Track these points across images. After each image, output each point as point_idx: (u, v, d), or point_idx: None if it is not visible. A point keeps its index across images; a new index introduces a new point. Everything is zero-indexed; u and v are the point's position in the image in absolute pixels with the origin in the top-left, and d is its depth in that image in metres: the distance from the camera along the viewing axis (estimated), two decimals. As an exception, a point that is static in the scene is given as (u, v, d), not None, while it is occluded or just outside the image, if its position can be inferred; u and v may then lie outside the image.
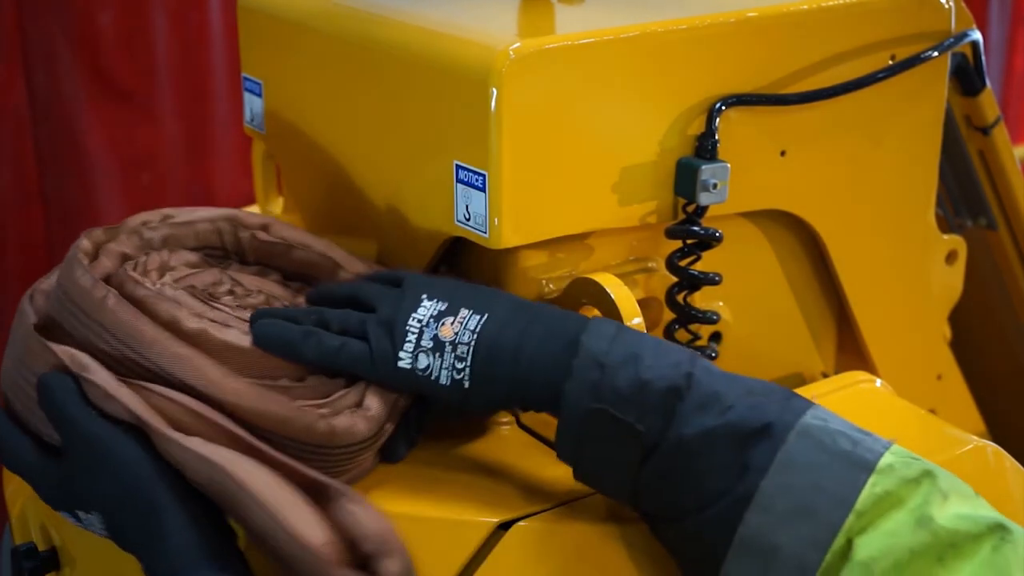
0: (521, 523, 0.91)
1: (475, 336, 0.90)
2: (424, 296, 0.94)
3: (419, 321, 0.92)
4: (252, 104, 1.29)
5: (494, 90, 0.95)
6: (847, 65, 1.11)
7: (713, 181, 1.03)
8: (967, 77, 1.30)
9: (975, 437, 1.04)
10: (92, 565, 1.05)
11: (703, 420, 0.84)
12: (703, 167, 1.02)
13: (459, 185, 1.00)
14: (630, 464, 0.86)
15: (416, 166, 1.06)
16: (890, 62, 1.13)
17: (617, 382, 0.85)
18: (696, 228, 1.04)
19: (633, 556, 0.90)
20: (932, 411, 1.23)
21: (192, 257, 1.05)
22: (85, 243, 1.02)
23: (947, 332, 1.32)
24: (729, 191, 1.04)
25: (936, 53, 1.14)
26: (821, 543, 0.79)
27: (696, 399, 0.85)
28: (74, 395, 0.87)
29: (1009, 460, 1.03)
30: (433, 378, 0.90)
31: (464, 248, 1.06)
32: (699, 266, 1.06)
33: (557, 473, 0.97)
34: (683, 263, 1.06)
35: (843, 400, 1.06)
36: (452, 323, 0.91)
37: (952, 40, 1.16)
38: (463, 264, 1.09)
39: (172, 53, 2.22)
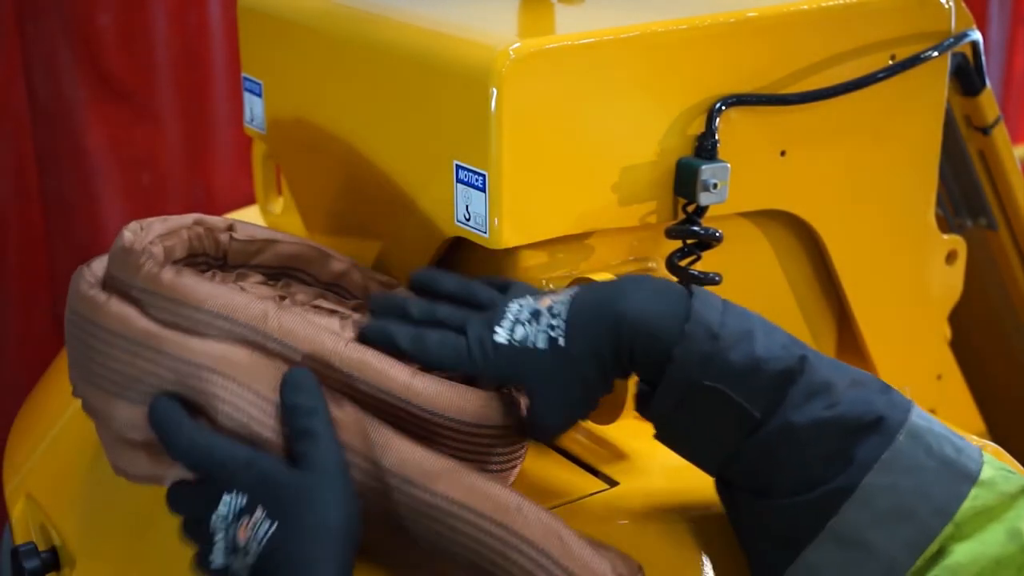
0: (521, 523, 0.91)
1: (572, 297, 0.89)
2: (529, 293, 0.93)
3: (519, 303, 0.91)
4: (252, 104, 1.29)
5: (494, 90, 0.95)
6: (847, 65, 1.11)
7: (713, 181, 1.03)
8: (967, 77, 1.30)
9: (975, 437, 1.04)
10: (92, 565, 1.05)
11: (814, 409, 0.83)
12: (703, 167, 1.02)
13: (459, 185, 1.00)
14: (728, 439, 0.85)
15: (416, 166, 1.06)
16: (890, 62, 1.13)
17: (731, 357, 0.84)
18: (696, 228, 1.04)
19: (633, 555, 0.90)
20: (932, 411, 1.23)
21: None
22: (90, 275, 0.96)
23: (947, 332, 1.32)
24: (729, 191, 1.04)
25: (936, 53, 1.14)
26: (916, 547, 0.81)
27: (807, 385, 0.84)
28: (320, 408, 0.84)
29: (1009, 460, 1.03)
30: (530, 345, 0.87)
31: (464, 248, 1.06)
32: (699, 266, 1.06)
33: (557, 473, 0.97)
34: (683, 263, 1.06)
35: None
36: (552, 297, 0.90)
37: (952, 40, 1.16)
38: (463, 264, 1.09)
39: (172, 53, 2.22)
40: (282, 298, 1.04)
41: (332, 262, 1.08)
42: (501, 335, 0.89)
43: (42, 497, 1.14)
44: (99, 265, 0.97)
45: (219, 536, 0.82)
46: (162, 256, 0.98)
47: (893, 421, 0.83)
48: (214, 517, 0.82)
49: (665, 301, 0.87)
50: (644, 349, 0.86)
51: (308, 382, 0.85)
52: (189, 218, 1.04)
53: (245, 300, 0.89)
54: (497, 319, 0.90)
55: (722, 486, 0.89)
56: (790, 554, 0.83)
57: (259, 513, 0.80)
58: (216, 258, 1.06)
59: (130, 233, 0.96)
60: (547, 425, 0.91)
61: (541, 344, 0.87)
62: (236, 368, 0.85)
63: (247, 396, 0.85)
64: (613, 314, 0.86)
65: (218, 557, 0.82)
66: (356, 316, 1.02)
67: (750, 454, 0.85)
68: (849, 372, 0.86)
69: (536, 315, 0.89)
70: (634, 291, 0.88)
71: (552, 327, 0.88)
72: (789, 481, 0.84)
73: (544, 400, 0.89)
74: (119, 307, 0.90)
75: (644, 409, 0.90)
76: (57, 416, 1.19)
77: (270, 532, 0.80)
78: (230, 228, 1.07)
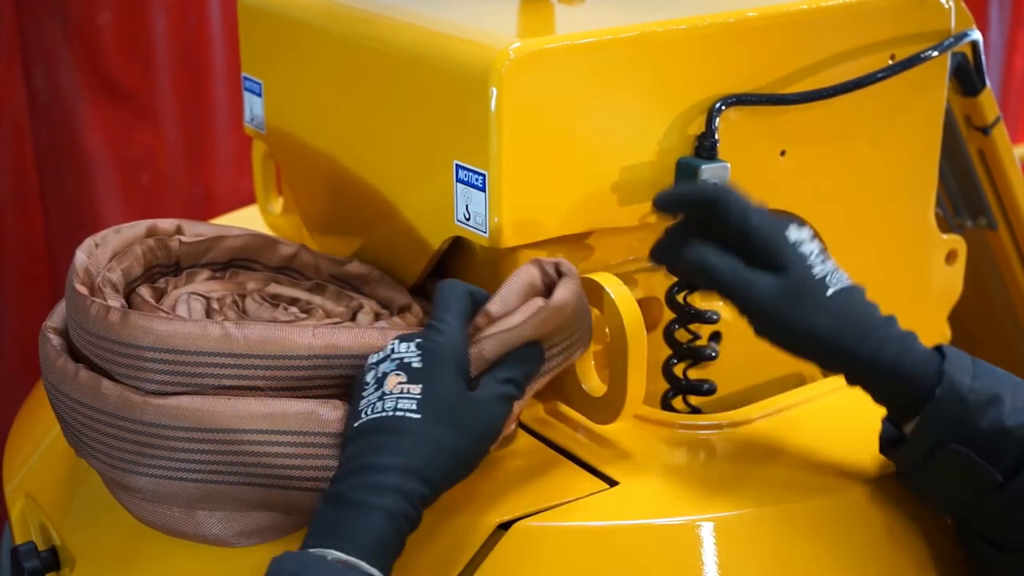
0: (521, 523, 0.91)
1: (852, 282, 0.93)
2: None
3: (810, 232, 0.95)
4: (252, 104, 1.29)
5: (494, 90, 0.95)
6: (847, 65, 1.11)
7: (713, 181, 1.03)
8: (967, 77, 1.30)
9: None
10: (92, 565, 1.05)
11: None
12: (703, 167, 1.02)
13: (459, 185, 1.00)
14: (969, 496, 0.90)
15: (416, 166, 1.06)
16: (890, 62, 1.13)
17: (979, 423, 0.88)
18: (696, 228, 1.04)
19: (633, 555, 0.90)
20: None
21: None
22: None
23: (947, 332, 1.32)
24: (729, 191, 1.04)
25: (936, 53, 1.14)
26: None
27: None
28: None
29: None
30: (808, 263, 0.92)
31: (464, 248, 1.06)
32: (699, 266, 1.06)
33: (557, 473, 0.97)
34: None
35: (842, 401, 1.06)
36: (835, 263, 0.94)
37: (952, 40, 1.16)
38: (463, 264, 1.09)
39: (172, 53, 2.22)
40: (241, 296, 1.06)
41: (280, 247, 1.10)
42: (817, 268, 0.93)
43: (42, 497, 1.14)
44: (59, 315, 1.00)
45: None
46: (121, 282, 1.00)
47: None
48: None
49: (924, 355, 0.91)
50: (894, 397, 0.92)
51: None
52: (141, 227, 1.07)
53: (199, 328, 0.90)
54: (791, 222, 0.94)
55: (961, 530, 0.94)
56: None
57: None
58: (168, 266, 1.08)
59: (83, 254, 0.99)
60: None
61: (831, 285, 0.92)
62: (261, 421, 0.88)
63: (286, 440, 0.88)
64: (872, 353, 0.90)
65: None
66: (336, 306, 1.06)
67: (989, 510, 0.89)
68: None
69: (826, 256, 0.94)
70: (897, 336, 0.92)
71: (838, 279, 0.93)
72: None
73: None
74: (89, 378, 0.92)
75: (888, 453, 0.95)
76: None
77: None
78: (179, 231, 1.09)
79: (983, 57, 1.28)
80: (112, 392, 0.90)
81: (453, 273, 1.10)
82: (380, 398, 0.85)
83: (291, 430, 0.87)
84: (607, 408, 0.98)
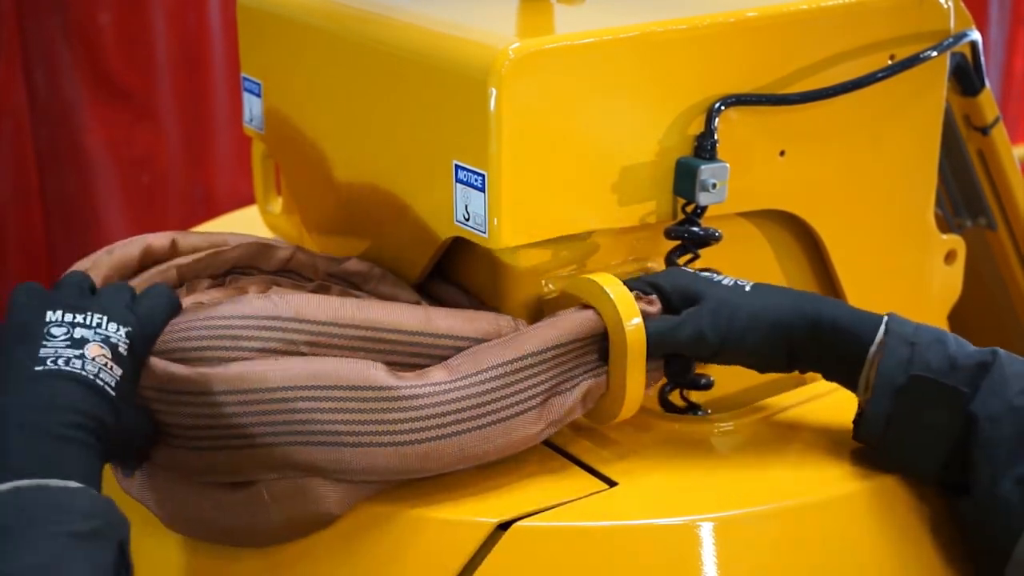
0: (521, 523, 0.91)
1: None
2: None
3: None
4: (252, 104, 1.29)
5: (493, 90, 0.95)
6: (847, 65, 1.11)
7: (712, 181, 1.03)
8: (966, 77, 1.30)
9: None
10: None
11: (1008, 393, 0.91)
12: (702, 167, 1.02)
13: (459, 185, 1.00)
14: (945, 432, 0.93)
15: (416, 166, 1.06)
16: (889, 62, 1.13)
17: (930, 360, 0.93)
18: (695, 228, 1.04)
19: (632, 555, 0.91)
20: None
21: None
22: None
23: (947, 332, 1.32)
24: (728, 191, 1.04)
25: (935, 53, 1.14)
26: None
27: (1000, 373, 0.92)
28: None
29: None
30: (716, 280, 0.99)
31: (464, 248, 1.06)
32: (699, 265, 1.06)
33: (557, 473, 0.97)
34: (682, 262, 1.06)
35: (842, 400, 1.06)
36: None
37: (951, 40, 1.16)
38: (463, 264, 1.09)
39: (172, 53, 2.22)
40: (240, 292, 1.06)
41: (276, 252, 1.11)
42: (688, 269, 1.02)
43: (42, 497, 1.14)
44: None
45: None
46: None
47: None
48: None
49: (861, 314, 0.97)
50: (842, 349, 0.96)
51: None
52: (135, 248, 1.07)
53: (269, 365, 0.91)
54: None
55: (946, 490, 0.96)
56: (1009, 544, 0.89)
57: None
58: (169, 285, 1.07)
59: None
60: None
61: (726, 283, 0.98)
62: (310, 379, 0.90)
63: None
64: (814, 310, 0.96)
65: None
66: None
67: (960, 446, 0.92)
68: None
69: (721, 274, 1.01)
70: (826, 302, 0.98)
71: (738, 280, 0.99)
72: (998, 472, 0.90)
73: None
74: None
75: (857, 430, 0.98)
76: (57, 416, 1.19)
77: None
78: (173, 247, 1.09)
79: (982, 57, 1.28)
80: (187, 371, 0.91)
81: (453, 273, 1.10)
82: (80, 357, 0.84)
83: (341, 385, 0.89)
84: (606, 408, 0.98)
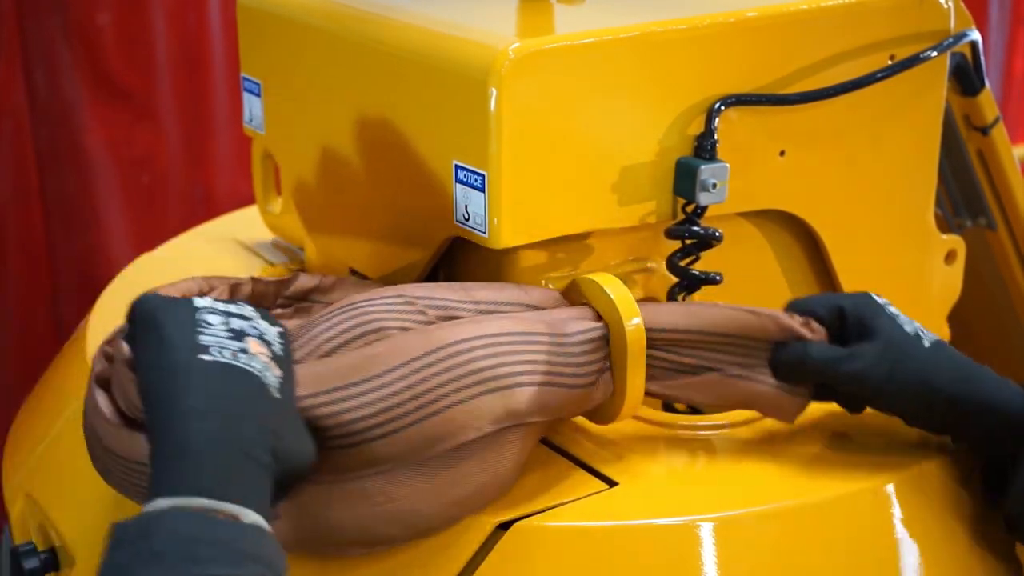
0: (520, 523, 0.91)
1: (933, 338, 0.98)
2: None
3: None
4: (252, 104, 1.29)
5: (493, 90, 0.95)
6: (847, 65, 1.11)
7: (712, 181, 1.03)
8: (966, 77, 1.30)
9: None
10: (92, 565, 1.05)
11: None
12: (702, 167, 1.02)
13: (459, 185, 1.00)
14: None
15: (416, 166, 1.06)
16: (889, 62, 1.13)
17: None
18: (696, 228, 1.04)
19: (633, 555, 0.91)
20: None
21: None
22: None
23: (947, 332, 1.32)
24: (728, 191, 1.04)
25: (935, 53, 1.14)
26: None
27: None
28: None
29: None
30: (898, 322, 0.97)
31: (464, 248, 1.06)
32: (699, 266, 1.06)
33: (557, 473, 0.97)
34: (683, 263, 1.06)
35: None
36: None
37: (951, 40, 1.16)
38: (463, 264, 1.09)
39: (172, 53, 2.22)
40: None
41: (241, 287, 1.05)
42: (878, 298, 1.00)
43: (42, 497, 1.14)
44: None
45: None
46: None
47: None
48: None
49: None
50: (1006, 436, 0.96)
51: None
52: (195, 287, 1.01)
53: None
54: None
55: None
56: None
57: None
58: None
59: (99, 366, 0.88)
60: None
61: (908, 329, 0.97)
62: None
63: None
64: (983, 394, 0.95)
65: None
66: None
67: None
68: None
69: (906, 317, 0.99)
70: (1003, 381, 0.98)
71: (921, 330, 0.98)
72: None
73: None
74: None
75: (990, 487, 0.99)
76: (57, 416, 1.19)
77: None
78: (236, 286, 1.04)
79: (982, 57, 1.28)
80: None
81: (454, 273, 1.10)
82: (244, 351, 0.75)
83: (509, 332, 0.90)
84: (606, 408, 0.98)
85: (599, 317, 0.96)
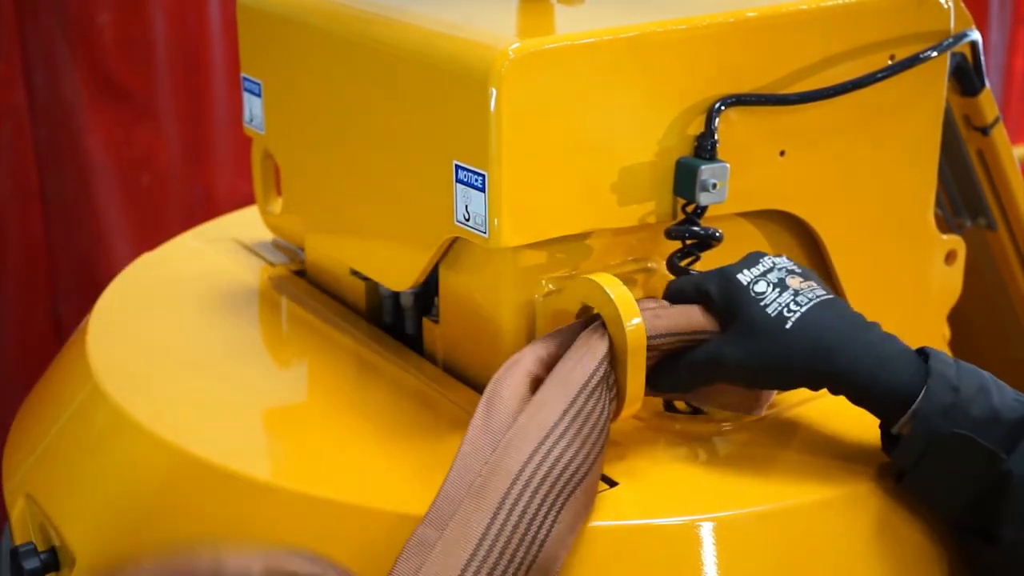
0: (521, 523, 0.91)
1: (820, 298, 0.96)
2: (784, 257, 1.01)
3: (772, 261, 0.99)
4: (252, 104, 1.29)
5: (493, 90, 0.95)
6: (847, 65, 1.11)
7: (712, 181, 1.03)
8: (966, 77, 1.30)
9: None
10: (92, 565, 1.05)
11: None
12: (702, 167, 1.02)
13: (459, 185, 1.00)
14: (972, 482, 0.92)
15: (416, 166, 1.06)
16: (889, 62, 1.13)
17: (972, 411, 0.91)
18: (696, 228, 1.04)
19: (633, 555, 0.90)
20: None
21: None
22: None
23: (947, 332, 1.32)
24: (728, 191, 1.04)
25: (935, 53, 1.14)
26: None
27: None
28: None
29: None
30: (761, 303, 0.95)
31: (464, 248, 1.06)
32: (699, 266, 1.06)
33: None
34: (683, 263, 1.06)
35: (841, 401, 1.06)
36: (801, 282, 0.97)
37: (951, 40, 1.16)
38: (462, 264, 1.09)
39: (172, 53, 2.22)
40: None
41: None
42: (745, 277, 0.97)
43: (42, 497, 1.14)
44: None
45: None
46: None
47: None
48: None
49: (904, 348, 0.95)
50: (878, 406, 0.95)
51: None
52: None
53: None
54: (746, 265, 0.98)
55: (956, 530, 0.95)
56: None
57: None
58: None
59: None
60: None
61: (770, 311, 0.95)
62: None
63: None
64: (849, 346, 0.94)
65: None
66: None
67: (989, 497, 0.91)
68: None
69: (782, 286, 0.97)
70: (873, 333, 0.95)
71: (789, 308, 0.95)
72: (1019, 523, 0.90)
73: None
74: None
75: (887, 450, 0.96)
76: (57, 416, 1.19)
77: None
78: None
79: (982, 57, 1.28)
80: None
81: (454, 273, 1.10)
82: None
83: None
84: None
85: (601, 325, 0.96)
